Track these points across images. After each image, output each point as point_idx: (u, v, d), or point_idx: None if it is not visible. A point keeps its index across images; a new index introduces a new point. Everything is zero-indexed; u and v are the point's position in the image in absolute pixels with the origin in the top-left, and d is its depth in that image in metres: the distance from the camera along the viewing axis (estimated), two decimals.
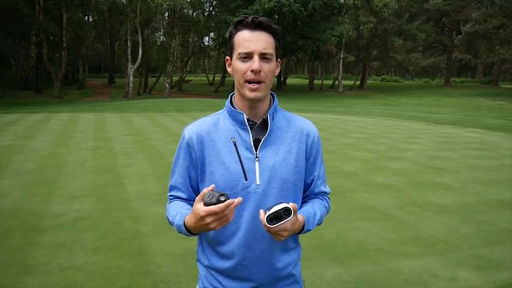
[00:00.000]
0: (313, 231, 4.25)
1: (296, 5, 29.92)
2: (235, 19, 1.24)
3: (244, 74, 1.21)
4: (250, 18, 1.21)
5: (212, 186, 1.14)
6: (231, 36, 1.24)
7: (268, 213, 1.11)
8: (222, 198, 1.08)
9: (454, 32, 40.23)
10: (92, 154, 7.87)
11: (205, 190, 1.13)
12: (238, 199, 1.09)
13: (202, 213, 1.09)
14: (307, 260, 3.36)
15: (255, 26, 1.20)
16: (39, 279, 3.02)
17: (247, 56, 1.20)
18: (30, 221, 4.22)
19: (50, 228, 4.02)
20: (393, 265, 3.37)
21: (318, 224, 1.34)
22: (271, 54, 1.22)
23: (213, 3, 41.45)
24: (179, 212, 1.27)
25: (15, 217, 4.31)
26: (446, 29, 43.99)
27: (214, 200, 1.08)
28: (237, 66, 1.22)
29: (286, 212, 1.11)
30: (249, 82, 1.21)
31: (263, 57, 1.20)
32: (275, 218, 1.11)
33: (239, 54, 1.21)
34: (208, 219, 1.09)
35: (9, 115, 15.42)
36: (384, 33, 40.43)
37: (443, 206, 4.99)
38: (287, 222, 1.13)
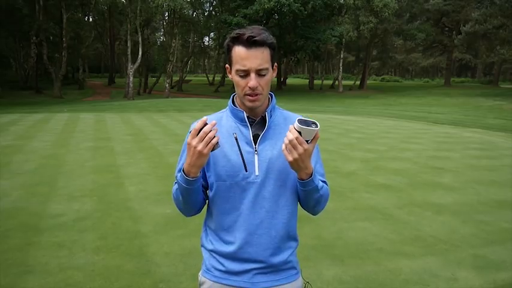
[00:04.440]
0: (313, 231, 4.22)
1: (296, 4, 29.88)
2: (231, 35, 1.32)
3: (243, 88, 1.32)
4: (245, 36, 1.28)
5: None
6: (229, 49, 1.33)
7: (299, 118, 1.21)
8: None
9: (454, 32, 40.24)
10: (92, 154, 7.87)
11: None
12: (212, 122, 1.22)
13: (189, 140, 1.23)
14: (307, 260, 3.36)
15: (250, 44, 1.28)
16: (39, 279, 3.02)
17: (245, 73, 1.31)
18: (30, 221, 4.22)
19: (50, 228, 4.02)
20: (393, 265, 3.37)
21: (319, 196, 1.37)
22: (267, 68, 1.32)
23: (213, 3, 41.46)
24: None
25: (15, 217, 4.31)
26: (446, 29, 43.97)
27: None
28: (237, 81, 1.34)
29: (314, 124, 1.20)
30: (248, 95, 1.33)
31: (259, 73, 1.30)
32: (304, 123, 1.19)
33: (237, 71, 1.31)
34: (194, 142, 1.22)
35: (9, 115, 15.42)
36: (384, 33, 40.42)
37: (443, 206, 4.99)
38: (309, 143, 1.22)
